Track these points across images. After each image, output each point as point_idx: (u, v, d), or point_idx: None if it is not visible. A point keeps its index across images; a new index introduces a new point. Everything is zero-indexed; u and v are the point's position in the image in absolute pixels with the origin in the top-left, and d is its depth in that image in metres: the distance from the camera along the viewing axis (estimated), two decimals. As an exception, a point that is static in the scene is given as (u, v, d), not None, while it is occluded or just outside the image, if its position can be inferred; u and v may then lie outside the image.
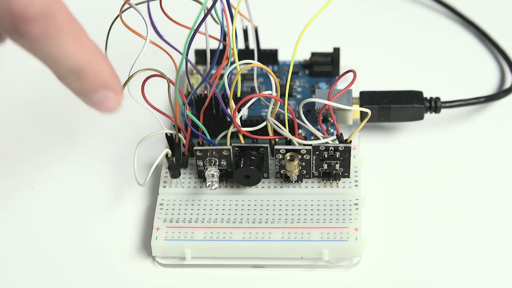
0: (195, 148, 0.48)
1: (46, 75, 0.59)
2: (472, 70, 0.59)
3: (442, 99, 0.54)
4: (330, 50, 0.56)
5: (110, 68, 0.39)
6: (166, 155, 0.49)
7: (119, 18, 0.47)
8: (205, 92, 0.51)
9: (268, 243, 0.47)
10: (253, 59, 0.51)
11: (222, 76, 0.50)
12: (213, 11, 0.48)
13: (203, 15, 0.45)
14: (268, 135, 0.49)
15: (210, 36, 0.48)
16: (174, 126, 0.49)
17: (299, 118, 0.49)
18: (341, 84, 0.54)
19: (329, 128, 0.53)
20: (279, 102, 0.48)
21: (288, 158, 0.48)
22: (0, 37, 0.38)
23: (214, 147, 0.48)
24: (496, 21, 0.62)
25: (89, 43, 0.37)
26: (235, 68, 0.48)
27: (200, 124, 0.48)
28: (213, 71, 0.55)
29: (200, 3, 0.47)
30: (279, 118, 0.51)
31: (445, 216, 0.50)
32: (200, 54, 0.57)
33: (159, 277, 0.48)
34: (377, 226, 0.49)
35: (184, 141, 0.50)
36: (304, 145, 0.48)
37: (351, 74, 0.48)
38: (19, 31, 0.35)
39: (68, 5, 0.40)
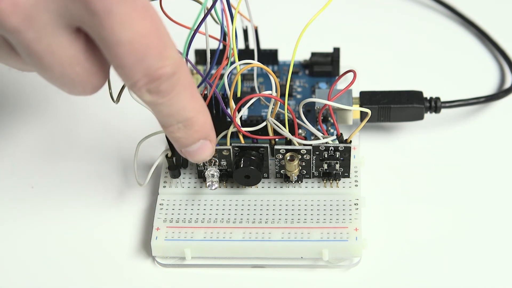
0: (195, 148, 0.49)
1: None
2: (472, 70, 0.59)
3: (442, 99, 0.54)
4: (330, 50, 0.56)
5: (211, 120, 0.43)
6: (166, 155, 0.49)
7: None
8: (205, 92, 0.51)
9: (268, 243, 0.47)
10: (253, 59, 0.51)
11: (222, 76, 0.50)
12: (213, 11, 0.48)
13: (203, 15, 0.45)
14: (268, 135, 0.49)
15: (210, 36, 0.48)
16: (174, 126, 0.49)
17: (299, 118, 0.49)
18: (341, 84, 0.54)
19: (329, 128, 0.53)
20: (279, 102, 0.48)
21: (288, 158, 0.48)
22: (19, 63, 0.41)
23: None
24: (496, 21, 0.62)
25: (200, 97, 0.42)
26: (235, 68, 0.48)
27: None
28: (213, 71, 0.55)
29: (200, 3, 0.47)
30: (279, 118, 0.51)
31: (445, 216, 0.50)
32: (200, 54, 0.57)
33: (159, 277, 0.48)
34: (377, 226, 0.49)
35: (184, 141, 0.50)
36: (304, 145, 0.48)
37: (351, 74, 0.48)
38: (149, 87, 0.40)
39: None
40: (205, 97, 0.50)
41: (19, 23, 0.38)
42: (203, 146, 0.44)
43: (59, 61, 0.39)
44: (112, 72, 0.48)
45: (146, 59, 0.39)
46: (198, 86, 0.48)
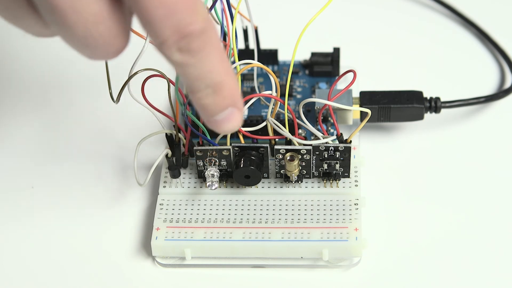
0: (195, 148, 0.49)
1: (46, 75, 0.59)
2: (472, 70, 0.59)
3: (442, 99, 0.54)
4: (330, 50, 0.56)
5: (238, 86, 0.42)
6: (166, 155, 0.49)
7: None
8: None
9: (268, 243, 0.47)
10: (253, 59, 0.51)
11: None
12: (213, 11, 0.48)
13: None
14: (268, 135, 0.49)
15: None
16: (174, 126, 0.49)
17: (299, 118, 0.49)
18: (341, 84, 0.54)
19: (329, 128, 0.53)
20: (279, 102, 0.48)
21: (288, 158, 0.48)
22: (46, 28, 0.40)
23: (214, 147, 0.48)
24: (496, 21, 0.62)
25: (228, 61, 0.40)
26: (235, 68, 0.48)
27: (200, 124, 0.48)
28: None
29: (200, 3, 0.47)
30: (279, 118, 0.51)
31: (445, 216, 0.50)
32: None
33: (159, 277, 0.48)
34: (377, 226, 0.49)
35: (184, 141, 0.50)
36: (304, 145, 0.48)
37: (351, 74, 0.48)
38: (180, 45, 0.38)
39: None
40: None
41: None
42: (231, 114, 0.41)
43: (83, 19, 0.38)
44: (112, 72, 0.48)
45: (176, 13, 0.37)
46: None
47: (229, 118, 0.41)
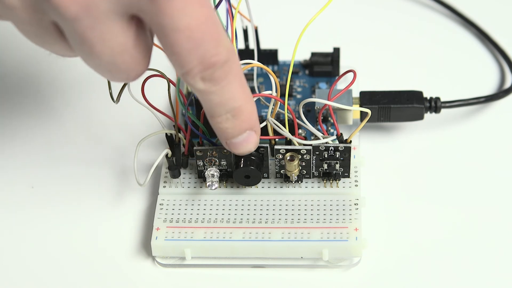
0: (195, 148, 0.49)
1: (46, 75, 0.59)
2: (472, 70, 0.59)
3: (442, 99, 0.54)
4: (330, 50, 0.56)
5: (256, 110, 0.44)
6: (166, 155, 0.49)
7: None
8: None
9: (268, 243, 0.47)
10: (253, 59, 0.51)
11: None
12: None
13: None
14: (268, 135, 0.49)
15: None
16: (174, 126, 0.49)
17: (299, 118, 0.49)
18: (341, 84, 0.54)
19: (329, 128, 0.53)
20: (279, 102, 0.48)
21: (288, 158, 0.48)
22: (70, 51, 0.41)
23: (214, 147, 0.48)
24: (496, 21, 0.62)
25: (247, 86, 0.42)
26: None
27: (200, 124, 0.48)
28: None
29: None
30: (279, 118, 0.51)
31: (445, 216, 0.50)
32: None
33: (159, 277, 0.48)
34: (377, 226, 0.49)
35: (184, 141, 0.50)
36: (304, 145, 0.48)
37: (351, 74, 0.48)
38: (204, 75, 0.40)
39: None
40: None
41: (78, 11, 0.38)
42: (249, 137, 0.44)
43: (110, 49, 0.39)
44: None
45: (202, 46, 0.39)
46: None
47: (247, 140, 0.44)
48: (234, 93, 0.41)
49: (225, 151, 0.48)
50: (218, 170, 0.49)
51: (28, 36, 0.41)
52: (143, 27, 0.40)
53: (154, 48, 0.47)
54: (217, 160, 0.49)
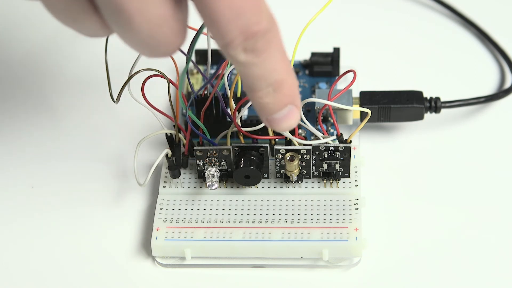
0: (195, 148, 0.49)
1: (46, 75, 0.59)
2: (472, 70, 0.59)
3: (442, 99, 0.54)
4: (330, 50, 0.56)
5: (297, 84, 0.42)
6: (166, 155, 0.49)
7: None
8: (205, 92, 0.51)
9: (268, 243, 0.47)
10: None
11: (222, 76, 0.50)
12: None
13: None
14: (268, 135, 0.49)
15: (212, 36, 0.48)
16: (174, 126, 0.49)
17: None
18: (341, 84, 0.54)
19: (329, 128, 0.53)
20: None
21: (288, 158, 0.48)
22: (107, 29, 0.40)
23: (214, 147, 0.48)
24: (496, 21, 0.62)
25: (288, 58, 0.41)
26: (235, 68, 0.48)
27: (201, 124, 0.48)
28: (212, 71, 0.55)
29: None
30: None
31: (445, 216, 0.50)
32: (201, 54, 0.57)
33: (159, 277, 0.48)
34: (377, 226, 0.49)
35: (184, 141, 0.50)
36: (304, 145, 0.48)
37: (351, 74, 0.48)
38: (246, 45, 0.38)
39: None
40: (205, 97, 0.51)
41: None
42: (290, 112, 0.42)
43: (149, 21, 0.38)
44: (112, 72, 0.48)
45: (243, 14, 0.38)
46: (201, 88, 0.48)
47: (288, 116, 0.42)
48: (276, 65, 0.40)
49: (225, 151, 0.48)
50: (218, 170, 0.49)
51: (57, 14, 0.39)
52: None
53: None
54: (217, 160, 0.49)
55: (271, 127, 0.42)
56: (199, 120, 0.48)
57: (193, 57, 0.57)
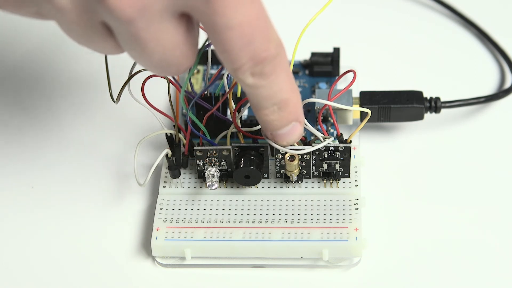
0: (195, 148, 0.49)
1: (46, 75, 0.59)
2: (472, 70, 0.59)
3: (442, 99, 0.54)
4: (330, 50, 0.56)
5: (301, 101, 0.44)
6: (166, 155, 0.49)
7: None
8: (205, 93, 0.51)
9: (268, 243, 0.47)
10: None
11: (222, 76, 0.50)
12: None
13: None
14: (268, 135, 0.49)
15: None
16: (174, 126, 0.49)
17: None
18: (341, 84, 0.54)
19: (329, 128, 0.53)
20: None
21: (288, 158, 0.48)
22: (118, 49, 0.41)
23: (214, 147, 0.48)
24: (496, 21, 0.62)
25: (293, 77, 0.43)
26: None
27: (201, 125, 0.48)
28: (212, 71, 0.55)
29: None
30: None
31: (445, 216, 0.50)
32: (201, 55, 0.56)
33: (159, 277, 0.48)
34: (377, 226, 0.49)
35: (184, 141, 0.50)
36: (300, 149, 0.48)
37: (351, 74, 0.48)
38: (253, 70, 0.40)
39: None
40: (205, 97, 0.51)
41: (133, 13, 0.38)
42: (294, 128, 0.44)
43: (162, 47, 0.40)
44: (112, 72, 0.48)
45: (253, 42, 0.39)
46: (207, 89, 0.48)
47: (292, 132, 0.44)
48: (282, 85, 0.42)
49: (225, 151, 0.48)
50: (218, 170, 0.49)
51: (73, 36, 0.41)
52: (192, 22, 0.40)
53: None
54: (217, 160, 0.49)
55: (275, 141, 0.45)
56: (201, 122, 0.48)
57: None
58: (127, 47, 0.40)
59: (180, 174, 0.49)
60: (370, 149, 0.53)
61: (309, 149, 0.47)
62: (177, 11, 0.39)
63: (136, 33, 0.39)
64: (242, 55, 0.40)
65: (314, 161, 0.49)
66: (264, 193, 0.49)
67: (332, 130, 0.53)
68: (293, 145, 0.47)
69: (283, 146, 0.46)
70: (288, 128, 0.44)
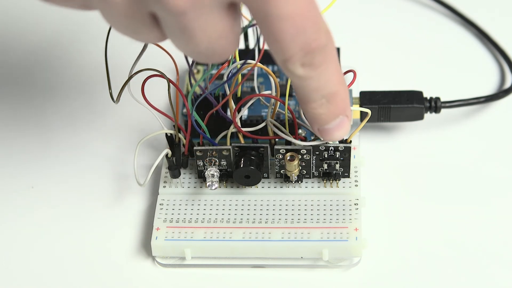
0: (195, 148, 0.49)
1: (46, 75, 0.60)
2: (472, 70, 0.59)
3: (442, 99, 0.54)
4: (330, 50, 0.56)
5: (349, 95, 0.44)
6: (166, 155, 0.49)
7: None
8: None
9: (268, 243, 0.47)
10: (253, 59, 0.51)
11: (222, 76, 0.50)
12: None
13: None
14: (268, 135, 0.49)
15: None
16: (174, 126, 0.49)
17: (299, 118, 0.49)
18: (341, 84, 0.54)
19: (329, 128, 0.53)
20: (278, 102, 0.48)
21: (288, 158, 0.48)
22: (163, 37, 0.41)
23: (214, 147, 0.48)
24: (496, 21, 0.62)
25: (341, 71, 0.42)
26: (236, 68, 0.48)
27: (203, 125, 0.48)
28: (213, 71, 0.55)
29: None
30: (279, 118, 0.51)
31: (445, 216, 0.50)
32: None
33: (159, 277, 0.48)
34: (377, 226, 0.49)
35: (184, 141, 0.50)
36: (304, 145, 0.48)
37: (351, 74, 0.48)
38: (304, 60, 0.40)
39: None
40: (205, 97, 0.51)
41: (186, 6, 0.38)
42: (342, 122, 0.44)
43: (209, 36, 0.39)
44: (112, 72, 0.48)
45: (304, 32, 0.39)
46: (213, 90, 0.48)
47: (340, 126, 0.44)
48: (331, 77, 0.42)
49: (225, 151, 0.48)
50: (218, 170, 0.49)
51: (118, 27, 0.41)
52: (237, 11, 0.40)
53: (154, 48, 0.48)
54: (217, 160, 0.49)
55: (322, 137, 0.44)
56: (203, 122, 0.48)
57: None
58: (173, 38, 0.40)
59: (180, 174, 0.49)
60: (370, 149, 0.53)
61: (310, 143, 0.47)
62: (226, 2, 0.39)
63: (186, 24, 0.39)
64: (293, 45, 0.39)
65: (314, 161, 0.49)
66: (264, 193, 0.49)
67: (332, 130, 0.53)
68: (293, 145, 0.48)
69: (331, 141, 0.46)
70: (336, 122, 0.44)
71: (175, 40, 0.40)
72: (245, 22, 0.55)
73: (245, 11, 0.51)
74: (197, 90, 0.52)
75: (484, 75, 0.58)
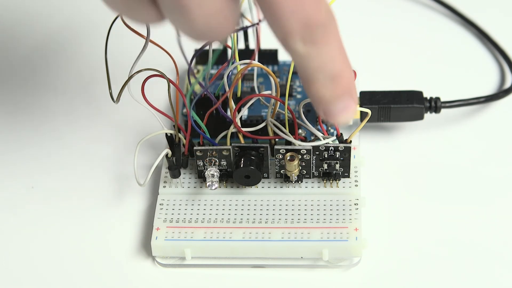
0: (195, 148, 0.49)
1: (46, 75, 0.60)
2: (472, 70, 0.59)
3: (442, 99, 0.54)
4: (330, 50, 0.56)
5: (354, 78, 0.43)
6: (166, 155, 0.49)
7: (119, 17, 0.46)
8: (205, 93, 0.51)
9: (268, 243, 0.47)
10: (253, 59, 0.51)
11: (222, 76, 0.50)
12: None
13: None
14: (268, 135, 0.49)
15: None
16: (174, 126, 0.49)
17: (299, 118, 0.49)
18: (341, 84, 0.54)
19: (329, 128, 0.53)
20: (279, 103, 0.48)
21: (288, 158, 0.48)
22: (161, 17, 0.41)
23: (214, 147, 0.48)
24: (496, 21, 0.62)
25: (345, 52, 0.42)
26: (235, 68, 0.48)
27: (203, 125, 0.48)
28: (213, 71, 0.55)
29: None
30: (279, 118, 0.51)
31: (445, 216, 0.50)
32: (201, 54, 0.56)
33: (159, 277, 0.48)
34: (377, 226, 0.49)
35: (184, 141, 0.50)
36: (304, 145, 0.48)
37: (351, 74, 0.48)
38: (304, 36, 0.39)
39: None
40: (205, 97, 0.51)
41: None
42: (347, 105, 0.42)
43: (206, 13, 0.39)
44: (112, 72, 0.48)
45: (303, 6, 0.39)
46: (215, 91, 0.48)
47: (346, 108, 0.42)
48: (333, 56, 0.41)
49: (225, 151, 0.48)
50: (218, 170, 0.49)
51: (113, 4, 0.40)
52: None
53: (154, 48, 0.48)
54: (217, 160, 0.49)
55: (328, 119, 0.42)
56: (202, 122, 0.48)
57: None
58: (170, 15, 0.39)
59: (180, 174, 0.49)
60: (370, 149, 0.53)
61: (310, 144, 0.47)
62: None
63: (182, 0, 0.38)
64: (293, 20, 0.39)
65: (314, 161, 0.49)
66: (264, 193, 0.49)
67: (332, 130, 0.53)
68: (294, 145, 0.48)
69: (338, 124, 0.45)
70: (341, 104, 0.42)
71: (171, 17, 0.39)
72: (245, 22, 0.55)
73: (247, 15, 0.52)
74: (197, 90, 0.52)
75: (484, 75, 0.58)
